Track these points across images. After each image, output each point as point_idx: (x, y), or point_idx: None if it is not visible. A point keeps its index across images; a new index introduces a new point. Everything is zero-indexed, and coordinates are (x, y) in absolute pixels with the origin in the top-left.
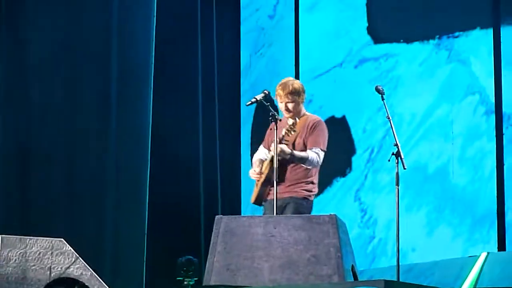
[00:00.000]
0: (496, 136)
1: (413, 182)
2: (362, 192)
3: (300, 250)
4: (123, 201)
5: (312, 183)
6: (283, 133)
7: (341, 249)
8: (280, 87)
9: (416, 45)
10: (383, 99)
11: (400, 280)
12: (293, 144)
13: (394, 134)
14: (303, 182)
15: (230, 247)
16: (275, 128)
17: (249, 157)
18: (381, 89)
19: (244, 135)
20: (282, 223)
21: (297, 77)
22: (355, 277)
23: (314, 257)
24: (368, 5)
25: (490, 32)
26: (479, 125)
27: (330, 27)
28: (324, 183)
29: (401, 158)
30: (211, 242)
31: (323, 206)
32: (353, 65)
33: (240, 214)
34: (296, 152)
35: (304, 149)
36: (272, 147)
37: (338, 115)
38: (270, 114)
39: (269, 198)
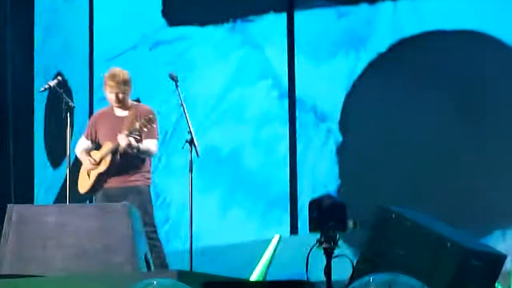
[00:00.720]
0: (289, 120)
1: (206, 165)
2: (155, 174)
3: (92, 239)
4: None
5: (149, 171)
6: (137, 126)
7: (134, 237)
8: (110, 77)
9: (210, 28)
10: (177, 86)
11: (194, 264)
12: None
13: (187, 121)
14: (143, 171)
15: (22, 236)
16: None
17: (42, 143)
18: (174, 76)
19: (37, 119)
20: (75, 212)
21: (91, 59)
22: (148, 265)
23: (106, 246)
24: None
25: (283, 16)
26: (272, 109)
27: (124, 9)
28: None
29: (194, 146)
30: (3, 231)
31: None
32: (147, 47)
33: (33, 199)
34: (141, 146)
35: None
36: (119, 138)
37: (133, 97)
38: (64, 102)
39: (107, 186)
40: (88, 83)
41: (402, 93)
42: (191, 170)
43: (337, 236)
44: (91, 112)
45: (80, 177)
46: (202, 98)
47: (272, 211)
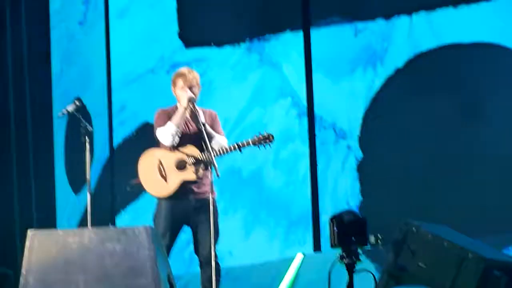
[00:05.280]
0: (309, 138)
1: (228, 186)
2: None
3: (115, 262)
4: None
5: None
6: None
7: (157, 259)
8: (192, 74)
9: (227, 48)
10: (195, 108)
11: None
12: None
13: (207, 143)
14: (211, 182)
15: (44, 261)
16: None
17: (63, 168)
18: (192, 98)
19: (57, 145)
20: (97, 235)
21: (109, 83)
22: (171, 286)
23: (130, 269)
24: (178, 10)
25: (300, 34)
26: (292, 127)
27: (141, 32)
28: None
29: (214, 166)
30: (24, 256)
31: (137, 213)
32: (165, 70)
33: (55, 225)
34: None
35: None
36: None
37: (152, 120)
38: (82, 125)
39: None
40: (107, 108)
41: (421, 108)
42: (212, 191)
43: (359, 251)
44: (110, 137)
45: (148, 175)
46: (221, 119)
47: (294, 230)
